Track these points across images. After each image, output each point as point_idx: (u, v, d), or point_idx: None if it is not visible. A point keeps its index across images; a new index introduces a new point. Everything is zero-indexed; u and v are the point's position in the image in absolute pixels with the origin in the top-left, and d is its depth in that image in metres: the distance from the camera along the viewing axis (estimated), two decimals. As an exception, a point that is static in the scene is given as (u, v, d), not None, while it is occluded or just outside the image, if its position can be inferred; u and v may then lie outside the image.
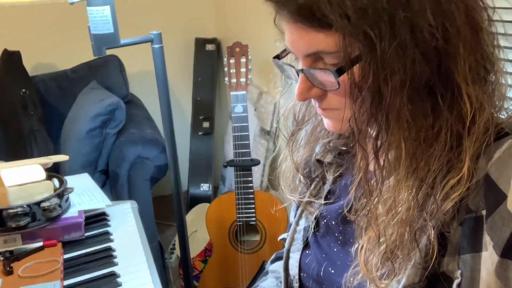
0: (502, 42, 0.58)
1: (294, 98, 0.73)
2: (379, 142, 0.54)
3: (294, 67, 0.60)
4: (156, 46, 1.16)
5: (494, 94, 0.56)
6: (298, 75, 0.59)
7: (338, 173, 0.73)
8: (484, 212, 0.52)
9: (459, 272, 0.54)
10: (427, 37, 0.50)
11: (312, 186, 0.76)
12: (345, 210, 0.67)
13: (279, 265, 0.89)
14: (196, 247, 2.06)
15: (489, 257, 0.52)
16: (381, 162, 0.55)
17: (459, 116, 0.53)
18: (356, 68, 0.52)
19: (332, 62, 0.54)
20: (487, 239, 0.52)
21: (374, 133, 0.55)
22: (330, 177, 0.74)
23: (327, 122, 0.63)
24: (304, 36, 0.54)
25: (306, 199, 0.76)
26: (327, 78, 0.55)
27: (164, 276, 2.14)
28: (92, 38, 0.99)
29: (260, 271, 1.71)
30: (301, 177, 0.77)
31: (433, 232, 0.53)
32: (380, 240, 0.55)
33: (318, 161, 0.75)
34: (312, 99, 0.61)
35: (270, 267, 0.91)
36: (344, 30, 0.50)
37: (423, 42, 0.50)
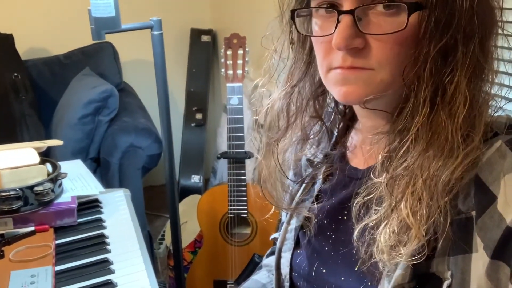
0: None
1: (273, 103, 0.70)
2: (440, 93, 0.53)
3: (337, 10, 0.54)
4: (156, 32, 1.15)
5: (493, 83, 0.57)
6: (337, 22, 0.54)
7: (328, 174, 0.72)
8: (474, 213, 0.52)
9: (449, 273, 0.53)
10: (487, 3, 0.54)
11: (302, 187, 0.75)
12: (352, 204, 0.62)
13: (272, 259, 0.88)
14: (186, 238, 2.05)
15: (479, 259, 0.51)
16: (438, 116, 0.53)
17: (485, 84, 0.55)
18: (437, 9, 0.51)
19: (394, 1, 0.51)
20: (477, 241, 0.52)
21: (431, 86, 0.52)
22: (320, 177, 0.73)
23: (345, 90, 0.56)
24: None
25: (294, 204, 0.74)
26: (386, 20, 0.52)
27: (153, 266, 2.13)
28: (93, 21, 0.98)
29: (250, 263, 1.71)
30: (289, 182, 0.75)
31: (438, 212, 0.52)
32: (420, 196, 0.53)
33: (308, 160, 0.74)
34: (340, 55, 0.55)
35: (264, 261, 0.91)
36: None
37: (488, 3, 0.54)
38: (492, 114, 0.57)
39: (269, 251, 0.94)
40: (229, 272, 1.82)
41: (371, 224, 0.57)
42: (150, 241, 2.08)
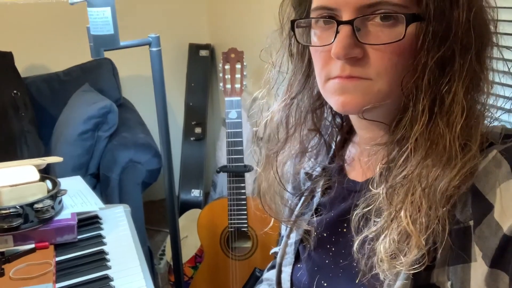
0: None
1: (272, 115, 0.70)
2: (438, 102, 0.53)
3: (336, 21, 0.55)
4: (154, 49, 1.16)
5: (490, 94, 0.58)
6: (336, 32, 0.55)
7: (327, 187, 0.72)
8: (471, 223, 0.53)
9: (449, 283, 0.54)
10: (485, 12, 0.55)
11: (301, 201, 0.75)
12: (356, 212, 0.61)
13: (273, 273, 0.88)
14: (186, 253, 2.05)
15: (478, 268, 0.52)
16: (437, 124, 0.53)
17: (481, 94, 0.56)
18: (434, 20, 0.52)
19: (393, 12, 0.52)
20: (476, 250, 0.52)
21: (429, 95, 0.53)
22: (319, 190, 0.73)
23: (343, 99, 0.57)
24: None
25: (294, 217, 0.74)
26: (387, 30, 0.53)
27: (153, 282, 2.12)
28: (92, 39, 0.99)
29: (251, 278, 1.70)
30: (287, 196, 0.75)
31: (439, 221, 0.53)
32: (420, 204, 0.53)
33: (307, 174, 0.74)
34: (339, 64, 0.56)
35: (264, 275, 0.91)
36: None
37: (483, 15, 0.55)
38: (488, 124, 0.57)
39: (269, 264, 0.94)
40: (230, 286, 1.81)
41: (370, 236, 0.57)
42: (151, 256, 2.07)
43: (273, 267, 0.92)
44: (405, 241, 0.54)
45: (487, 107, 0.57)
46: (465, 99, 0.53)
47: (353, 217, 0.59)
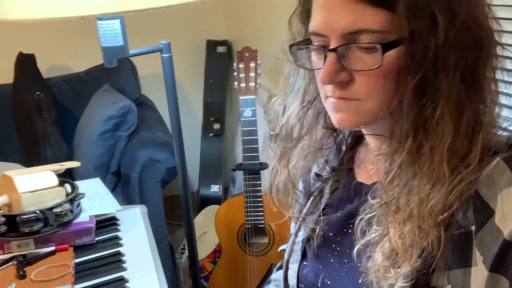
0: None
1: (290, 113, 0.73)
2: (421, 123, 0.54)
3: (323, 47, 0.58)
4: (165, 55, 1.19)
5: (496, 101, 0.57)
6: (325, 58, 0.57)
7: (335, 188, 0.75)
8: (473, 228, 0.53)
9: (449, 286, 0.55)
10: (476, 28, 0.53)
11: (310, 200, 0.78)
12: (361, 211, 0.64)
13: (280, 274, 0.90)
14: (206, 248, 2.09)
15: (479, 272, 0.53)
16: (423, 144, 0.54)
17: (478, 111, 0.55)
18: (411, 46, 0.53)
19: (372, 41, 0.54)
20: (476, 254, 0.53)
21: (413, 116, 0.54)
22: (327, 191, 0.75)
23: (340, 117, 0.60)
24: (348, 13, 0.54)
25: (303, 215, 0.77)
26: (365, 57, 0.55)
27: (175, 276, 2.17)
28: (102, 50, 1.02)
29: (268, 273, 1.73)
30: (297, 194, 0.77)
31: (436, 232, 0.54)
32: (412, 223, 0.55)
33: (317, 175, 0.76)
34: (331, 88, 0.59)
35: (272, 276, 0.93)
36: (408, 7, 0.51)
37: (472, 31, 0.53)
38: (492, 136, 0.57)
39: (278, 265, 0.97)
40: (248, 282, 1.85)
41: (371, 241, 0.59)
42: (172, 251, 2.12)
43: (281, 267, 0.95)
44: (396, 255, 0.56)
45: (491, 121, 0.57)
46: (452, 119, 0.53)
47: (357, 222, 0.61)
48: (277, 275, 0.92)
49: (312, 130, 0.73)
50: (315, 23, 0.58)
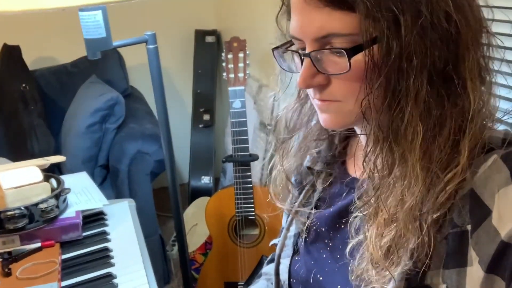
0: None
1: (287, 105, 0.73)
2: (394, 126, 0.53)
3: (298, 52, 0.59)
4: (150, 46, 1.16)
5: (490, 95, 0.56)
6: (302, 61, 0.58)
7: (328, 182, 0.74)
8: (469, 227, 0.53)
9: (444, 286, 0.54)
10: (444, 22, 0.51)
11: (302, 193, 0.77)
12: (353, 207, 0.64)
13: (272, 267, 0.90)
14: (197, 240, 2.08)
15: (474, 272, 0.52)
16: (395, 146, 0.54)
17: (461, 110, 0.53)
18: (375, 48, 0.52)
19: (342, 45, 0.54)
20: (472, 254, 0.52)
21: (386, 118, 0.54)
22: (320, 185, 0.74)
23: (324, 117, 0.61)
24: (316, 18, 0.54)
25: (295, 208, 0.76)
26: (338, 60, 0.55)
27: (166, 268, 2.17)
28: (85, 42, 1.00)
29: (259, 265, 1.73)
30: (290, 186, 0.77)
31: (427, 232, 0.53)
32: (389, 226, 0.55)
33: (309, 168, 0.76)
34: (312, 90, 0.60)
35: (263, 269, 0.93)
36: (368, 9, 0.50)
37: (441, 27, 0.51)
38: (485, 132, 0.56)
39: (269, 258, 0.96)
40: (239, 273, 1.84)
41: (362, 239, 0.58)
42: (162, 244, 2.11)
43: (272, 260, 0.94)
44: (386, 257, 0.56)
45: (480, 115, 0.55)
46: (422, 121, 0.52)
47: (351, 219, 0.61)
48: (268, 268, 0.92)
49: (308, 122, 0.73)
50: (291, 27, 0.58)
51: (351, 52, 0.53)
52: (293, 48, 0.62)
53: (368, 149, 0.56)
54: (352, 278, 0.61)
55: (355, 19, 0.52)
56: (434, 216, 0.53)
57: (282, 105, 0.75)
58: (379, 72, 0.52)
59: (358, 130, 0.64)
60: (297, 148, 0.74)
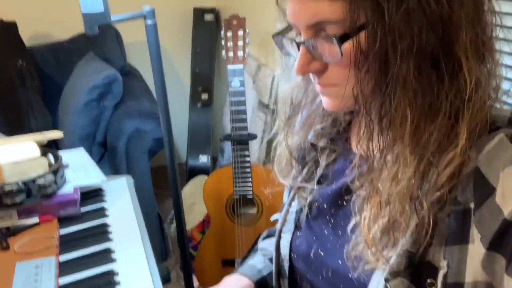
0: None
1: (292, 84, 0.74)
2: (383, 111, 0.54)
3: (294, 40, 0.60)
4: (149, 22, 1.15)
5: (491, 75, 0.56)
6: (298, 48, 0.59)
7: (331, 158, 0.74)
8: (472, 205, 0.53)
9: (445, 262, 0.54)
10: (433, 4, 0.50)
11: (305, 170, 0.77)
12: (352, 186, 0.65)
13: (269, 243, 0.90)
14: (194, 219, 2.09)
15: (476, 250, 0.52)
16: (385, 131, 0.55)
17: (458, 91, 0.53)
18: (362, 35, 0.52)
19: (334, 33, 0.54)
20: (474, 232, 0.52)
21: (377, 104, 0.55)
22: (323, 162, 0.74)
23: (325, 101, 0.62)
24: (307, 5, 0.54)
25: (298, 184, 0.76)
26: (330, 48, 0.55)
27: (164, 245, 2.18)
28: (83, 17, 0.98)
29: (256, 243, 1.74)
30: (294, 162, 0.77)
31: (427, 211, 0.54)
32: (383, 209, 0.56)
33: (312, 145, 0.75)
34: (311, 74, 0.61)
35: (260, 244, 0.93)
36: None
37: (429, 9, 0.50)
38: (488, 111, 0.55)
39: (265, 233, 0.96)
40: (237, 251, 1.86)
41: (363, 217, 0.58)
42: (160, 222, 2.12)
43: (268, 236, 0.94)
44: (387, 235, 0.56)
45: (480, 96, 0.54)
46: (411, 106, 0.52)
47: (354, 197, 0.61)
48: (265, 244, 0.92)
49: (313, 100, 0.73)
50: (287, 13, 0.59)
51: (341, 39, 0.53)
52: (291, 34, 0.63)
53: (361, 133, 0.57)
54: (349, 258, 0.62)
55: (344, 6, 0.51)
56: (434, 196, 0.54)
57: (282, 85, 0.75)
58: (366, 59, 0.52)
59: (358, 111, 0.64)
60: (301, 125, 0.75)
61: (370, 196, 0.57)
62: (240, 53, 1.71)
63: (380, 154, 0.56)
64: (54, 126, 2.09)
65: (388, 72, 0.52)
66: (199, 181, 2.29)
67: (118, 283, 0.86)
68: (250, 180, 1.76)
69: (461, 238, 0.53)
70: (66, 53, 2.32)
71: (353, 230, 0.61)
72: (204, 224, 2.04)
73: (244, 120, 1.72)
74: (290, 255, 0.76)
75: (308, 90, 0.72)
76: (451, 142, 0.53)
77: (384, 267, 0.57)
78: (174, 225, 2.35)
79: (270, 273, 0.83)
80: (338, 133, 0.74)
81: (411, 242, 0.55)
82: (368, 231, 0.57)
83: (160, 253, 2.12)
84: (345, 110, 0.64)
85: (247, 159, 1.74)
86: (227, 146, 2.47)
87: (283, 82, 0.79)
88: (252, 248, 1.78)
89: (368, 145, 0.57)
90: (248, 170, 1.75)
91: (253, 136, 1.74)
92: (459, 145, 0.53)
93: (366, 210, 0.57)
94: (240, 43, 1.70)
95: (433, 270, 0.55)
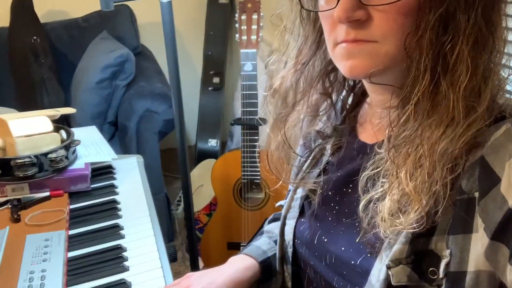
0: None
1: (279, 77, 0.71)
2: (440, 63, 0.52)
3: None
4: (164, 0, 1.14)
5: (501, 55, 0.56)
6: None
7: (337, 147, 0.73)
8: (477, 194, 0.53)
9: (448, 251, 0.54)
10: None
11: (310, 158, 0.77)
12: (364, 169, 0.62)
13: (275, 226, 0.91)
14: (201, 201, 2.10)
15: (479, 239, 0.52)
16: (440, 83, 0.53)
17: (491, 53, 0.53)
18: None
19: None
20: (478, 221, 0.52)
21: (432, 57, 0.52)
22: (329, 150, 0.74)
23: (351, 63, 0.57)
24: None
25: (300, 176, 0.76)
26: None
27: (170, 226, 2.20)
28: (99, -9, 0.98)
29: (262, 227, 1.75)
30: (294, 157, 0.76)
31: (440, 189, 0.53)
32: (421, 164, 0.54)
33: (318, 132, 0.75)
34: (345, 29, 0.56)
35: (265, 227, 0.94)
36: None
37: None
38: (503, 93, 0.55)
39: (271, 217, 0.97)
40: (242, 234, 1.87)
41: (376, 196, 0.58)
42: (168, 203, 2.14)
43: (274, 220, 0.95)
44: (406, 201, 0.55)
45: (498, 67, 0.55)
46: (470, 57, 0.51)
47: (361, 178, 0.60)
48: (270, 227, 0.92)
49: (306, 95, 0.71)
50: None
51: None
52: None
53: (402, 95, 0.55)
54: (358, 240, 0.62)
55: None
56: (449, 165, 0.53)
57: (282, 72, 0.72)
58: (438, 4, 0.50)
59: (383, 79, 0.60)
60: (298, 121, 0.73)
61: (406, 157, 0.55)
62: (253, 37, 1.70)
63: (426, 107, 0.53)
64: (67, 103, 2.11)
65: (455, 19, 0.51)
66: (207, 164, 2.30)
67: (126, 259, 0.87)
68: (258, 164, 1.76)
69: (465, 227, 0.53)
70: (80, 31, 2.32)
71: (364, 208, 0.59)
72: (211, 207, 2.05)
73: (255, 105, 1.72)
74: (293, 241, 0.77)
75: (298, 86, 0.70)
76: (474, 107, 0.53)
77: (388, 252, 0.57)
78: (181, 207, 2.37)
79: (275, 255, 0.83)
80: (344, 123, 0.74)
81: (417, 226, 0.54)
82: (410, 180, 0.54)
83: (167, 233, 2.14)
84: (369, 77, 0.58)
85: (256, 143, 1.75)
86: (237, 130, 2.47)
87: (277, 67, 0.75)
88: (257, 232, 1.79)
89: (404, 104, 0.55)
90: (257, 154, 1.75)
91: (264, 121, 1.74)
92: (479, 110, 0.52)
93: (403, 170, 0.54)
94: (254, 26, 1.69)
95: (436, 259, 0.55)
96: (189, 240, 1.66)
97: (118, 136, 2.00)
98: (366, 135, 0.70)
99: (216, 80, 2.56)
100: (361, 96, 0.75)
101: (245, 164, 1.77)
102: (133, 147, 1.93)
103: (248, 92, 1.71)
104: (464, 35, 0.51)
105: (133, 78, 2.01)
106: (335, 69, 0.71)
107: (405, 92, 0.55)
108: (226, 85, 2.64)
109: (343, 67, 0.58)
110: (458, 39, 0.51)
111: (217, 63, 2.59)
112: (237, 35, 1.71)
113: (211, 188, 1.90)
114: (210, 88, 2.55)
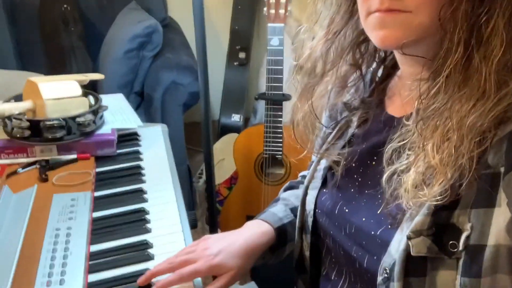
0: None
1: (310, 46, 0.70)
2: (474, 35, 0.52)
3: None
4: (194, -30, 1.14)
5: None
6: None
7: (363, 119, 0.73)
8: (502, 169, 0.52)
9: (469, 225, 0.54)
10: None
11: (336, 129, 0.77)
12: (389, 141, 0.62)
13: (291, 193, 0.91)
14: (223, 174, 2.13)
15: (501, 214, 0.52)
16: (473, 56, 0.52)
17: None
18: None
19: None
20: (502, 196, 0.52)
21: (466, 28, 0.52)
22: (355, 122, 0.74)
23: (384, 34, 0.57)
24: None
25: (325, 147, 0.76)
26: None
27: (191, 198, 2.24)
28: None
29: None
30: (320, 127, 0.76)
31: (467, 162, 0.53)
32: (448, 137, 0.54)
33: (346, 104, 0.75)
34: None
35: (281, 194, 0.94)
36: None
37: None
38: None
39: (286, 185, 0.97)
40: (262, 209, 1.88)
41: (401, 168, 0.58)
42: (190, 174, 2.17)
43: (290, 187, 0.95)
44: (431, 174, 0.55)
45: None
46: (506, 31, 0.51)
47: (386, 149, 0.60)
48: (286, 194, 0.93)
49: (336, 66, 0.71)
50: None
51: None
52: None
53: (434, 67, 0.54)
54: (380, 211, 0.62)
55: None
56: (476, 139, 0.53)
57: (313, 41, 0.71)
58: None
59: (415, 51, 0.60)
60: (325, 92, 0.73)
61: (434, 129, 0.54)
62: (281, 11, 1.68)
63: (458, 79, 0.53)
64: (95, 72, 2.13)
65: None
66: (229, 138, 2.31)
67: (149, 221, 0.89)
68: (281, 140, 1.77)
69: (488, 201, 0.53)
70: (109, 1, 2.33)
71: (388, 179, 0.59)
72: (232, 181, 2.07)
73: (280, 80, 1.71)
74: (314, 211, 0.77)
75: (328, 56, 0.70)
76: (505, 81, 0.52)
77: (410, 222, 0.57)
78: (202, 180, 2.40)
79: (290, 222, 0.84)
80: (372, 95, 0.74)
81: (441, 198, 0.54)
82: (437, 153, 0.54)
83: (188, 204, 2.17)
84: (400, 48, 0.58)
85: (280, 119, 1.75)
86: (260, 106, 2.47)
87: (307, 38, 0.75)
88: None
89: (435, 76, 0.54)
90: (280, 130, 1.75)
91: (288, 97, 1.74)
92: (510, 86, 0.52)
93: (430, 143, 0.54)
94: (283, 0, 1.68)
95: (457, 232, 0.55)
96: (210, 212, 1.69)
97: (144, 106, 2.03)
98: (394, 108, 0.69)
99: (242, 55, 2.55)
100: (391, 68, 0.74)
101: (268, 139, 1.78)
102: (158, 118, 1.95)
103: (273, 67, 1.71)
104: (501, 7, 0.51)
105: (160, 49, 2.02)
106: (366, 40, 0.70)
107: (437, 64, 0.55)
108: (252, 61, 2.63)
109: (375, 37, 0.59)
110: (494, 11, 0.51)
111: (243, 38, 2.57)
112: (265, 9, 1.70)
113: (233, 162, 1.91)
114: (235, 63, 2.54)
